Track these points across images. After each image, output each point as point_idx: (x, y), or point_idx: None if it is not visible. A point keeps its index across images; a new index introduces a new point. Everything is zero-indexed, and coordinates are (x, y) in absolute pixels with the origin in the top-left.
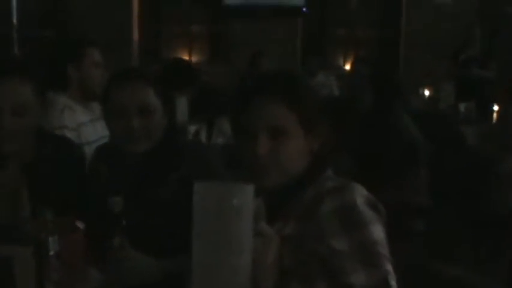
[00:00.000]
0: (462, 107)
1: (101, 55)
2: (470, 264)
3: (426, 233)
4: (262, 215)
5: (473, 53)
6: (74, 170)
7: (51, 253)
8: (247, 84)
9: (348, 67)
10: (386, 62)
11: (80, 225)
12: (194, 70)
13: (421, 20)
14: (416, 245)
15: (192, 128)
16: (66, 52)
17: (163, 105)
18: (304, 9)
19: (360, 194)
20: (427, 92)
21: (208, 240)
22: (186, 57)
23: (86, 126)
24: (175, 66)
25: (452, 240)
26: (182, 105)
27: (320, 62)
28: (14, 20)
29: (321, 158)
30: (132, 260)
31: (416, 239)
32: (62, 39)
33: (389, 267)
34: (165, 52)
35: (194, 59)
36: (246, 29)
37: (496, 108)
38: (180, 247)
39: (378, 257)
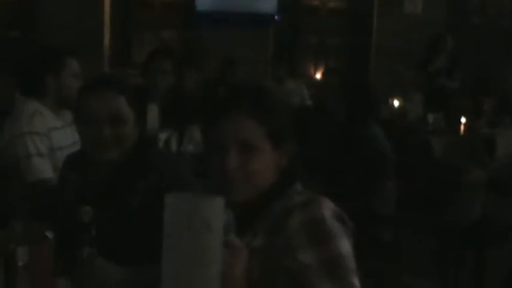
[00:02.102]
0: (431, 118)
1: (79, 66)
2: (434, 274)
3: (393, 243)
4: (231, 227)
5: (441, 63)
6: None
7: (20, 264)
8: (217, 96)
9: (318, 76)
10: (356, 71)
11: (49, 234)
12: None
13: (391, 29)
14: (384, 255)
15: (163, 136)
16: (46, 61)
17: (135, 114)
18: (276, 17)
19: (328, 208)
20: (396, 102)
21: (178, 252)
22: None
23: (57, 131)
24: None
25: (418, 249)
26: (153, 112)
27: (289, 69)
28: None
29: (289, 172)
30: (102, 270)
31: (384, 249)
32: (42, 47)
33: (356, 280)
34: (136, 57)
35: None
36: (218, 35)
37: (463, 120)
38: (150, 256)
39: (345, 270)
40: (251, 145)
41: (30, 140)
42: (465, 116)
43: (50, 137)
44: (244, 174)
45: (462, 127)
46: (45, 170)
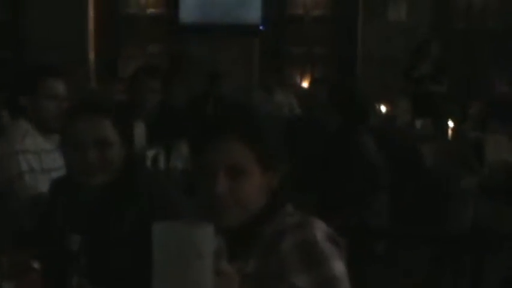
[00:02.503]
0: (418, 123)
1: (64, 86)
2: (430, 285)
3: (387, 255)
4: (223, 253)
5: (427, 69)
6: None
7: None
8: (204, 112)
9: (305, 85)
10: (343, 78)
11: (36, 265)
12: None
13: (375, 36)
14: (378, 268)
15: (150, 153)
16: (20, 82)
17: (121, 136)
18: (261, 27)
19: (320, 230)
20: (383, 109)
21: (169, 281)
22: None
23: (47, 153)
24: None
25: (412, 261)
26: (140, 130)
27: (277, 79)
28: None
29: (279, 193)
30: None
31: (378, 261)
32: (21, 67)
33: None
34: (122, 72)
35: None
36: (203, 47)
37: (451, 124)
38: (141, 283)
39: None
40: (241, 169)
41: (23, 158)
42: (452, 120)
43: (41, 158)
44: (234, 198)
45: (450, 131)
46: (38, 186)
